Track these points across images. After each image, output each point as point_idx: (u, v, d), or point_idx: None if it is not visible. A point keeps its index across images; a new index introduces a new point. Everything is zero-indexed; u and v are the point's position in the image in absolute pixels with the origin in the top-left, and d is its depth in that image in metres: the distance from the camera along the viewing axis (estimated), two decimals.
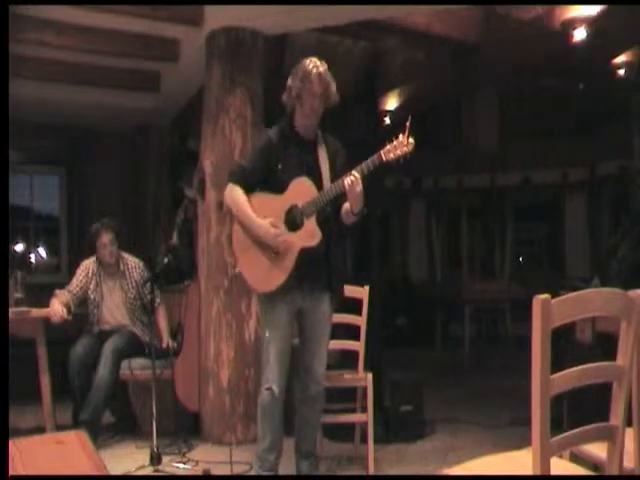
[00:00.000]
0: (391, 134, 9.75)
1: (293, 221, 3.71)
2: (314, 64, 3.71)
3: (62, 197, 8.53)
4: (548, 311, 1.99)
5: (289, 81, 3.78)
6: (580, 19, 6.04)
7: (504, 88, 8.93)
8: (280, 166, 3.76)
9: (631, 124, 9.03)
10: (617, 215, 10.24)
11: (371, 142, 9.82)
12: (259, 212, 3.73)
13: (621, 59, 7.32)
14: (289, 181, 3.72)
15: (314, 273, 3.75)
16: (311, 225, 3.68)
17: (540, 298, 1.98)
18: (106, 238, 5.41)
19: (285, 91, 3.80)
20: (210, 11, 5.30)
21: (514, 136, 9.95)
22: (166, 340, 5.38)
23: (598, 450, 2.45)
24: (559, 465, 2.26)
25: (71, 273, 5.74)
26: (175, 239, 5.22)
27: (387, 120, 9.36)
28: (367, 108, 9.10)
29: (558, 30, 6.21)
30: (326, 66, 3.75)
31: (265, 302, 3.81)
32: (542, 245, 12.26)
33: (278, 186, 3.74)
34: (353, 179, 3.52)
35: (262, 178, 3.78)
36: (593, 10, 5.86)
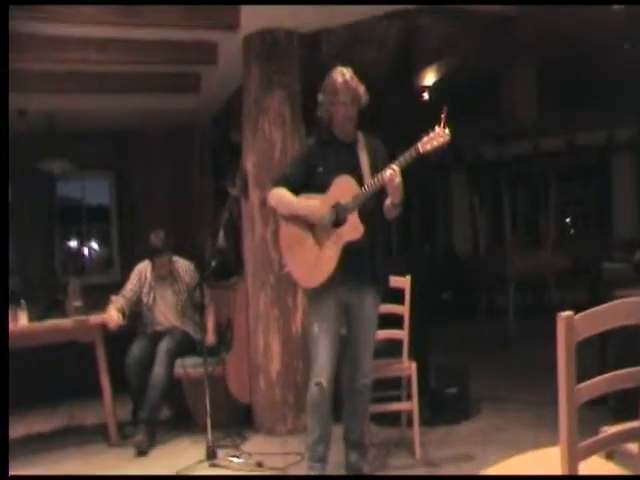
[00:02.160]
0: (429, 109, 9.68)
1: (337, 217, 3.79)
2: (339, 74, 3.79)
3: (112, 199, 8.77)
4: (571, 327, 2.05)
5: (320, 97, 3.87)
6: None
7: (543, 56, 8.80)
8: (321, 168, 3.85)
9: None
10: None
11: (408, 120, 9.85)
12: None
13: None
14: (331, 180, 3.80)
15: (359, 268, 3.81)
16: (354, 219, 3.74)
17: (563, 316, 2.04)
18: (165, 259, 5.58)
19: (318, 106, 3.89)
20: (246, 15, 5.35)
21: (556, 101, 9.76)
22: (211, 338, 5.50)
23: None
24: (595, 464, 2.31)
25: (122, 269, 5.91)
26: (221, 239, 5.31)
27: (425, 96, 9.36)
28: (403, 85, 9.10)
29: None
30: (351, 72, 3.83)
31: (312, 297, 3.89)
32: (589, 208, 12.09)
33: (321, 186, 3.82)
34: (392, 172, 3.58)
35: (304, 182, 3.87)
36: None
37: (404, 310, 4.67)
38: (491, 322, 9.78)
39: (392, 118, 10.50)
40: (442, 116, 3.52)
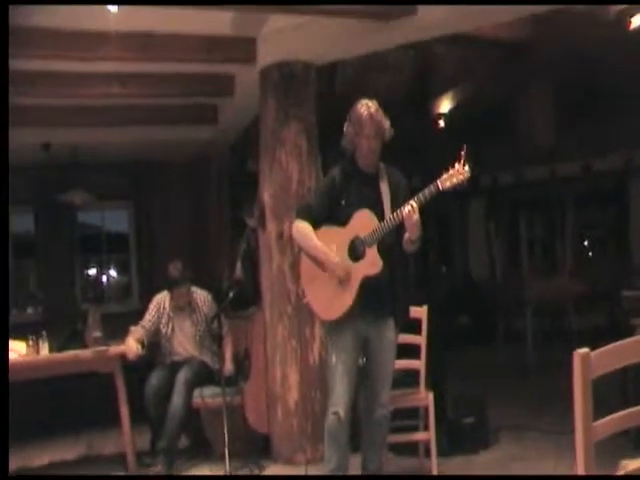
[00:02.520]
0: (445, 136, 9.71)
1: (355, 251, 3.84)
2: (365, 107, 3.85)
3: (131, 228, 8.87)
4: (587, 364, 2.06)
5: (345, 127, 3.94)
6: (635, 8, 5.91)
7: (558, 80, 8.80)
8: (344, 201, 3.91)
9: None
10: None
11: (423, 147, 9.91)
12: (324, 243, 3.90)
13: None
14: (352, 214, 3.86)
15: (378, 301, 3.86)
16: (372, 254, 3.80)
17: (579, 353, 2.06)
18: (184, 290, 5.63)
19: (343, 137, 3.96)
20: (262, 48, 5.44)
21: (571, 125, 9.78)
22: (229, 368, 5.53)
23: None
24: None
25: (141, 297, 5.95)
26: (239, 271, 5.39)
27: (441, 123, 9.41)
28: (419, 112, 9.13)
29: (613, 20, 6.15)
30: (377, 105, 3.89)
31: (331, 329, 3.95)
32: (606, 233, 12.02)
33: (342, 219, 3.89)
34: (410, 209, 3.64)
35: (327, 213, 3.94)
36: None
37: (421, 340, 4.70)
38: (509, 348, 9.71)
39: (408, 145, 10.56)
40: (462, 154, 3.59)
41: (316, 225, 3.94)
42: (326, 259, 3.86)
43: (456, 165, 3.60)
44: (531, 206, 12.03)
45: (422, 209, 3.69)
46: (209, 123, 7.05)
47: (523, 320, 9.33)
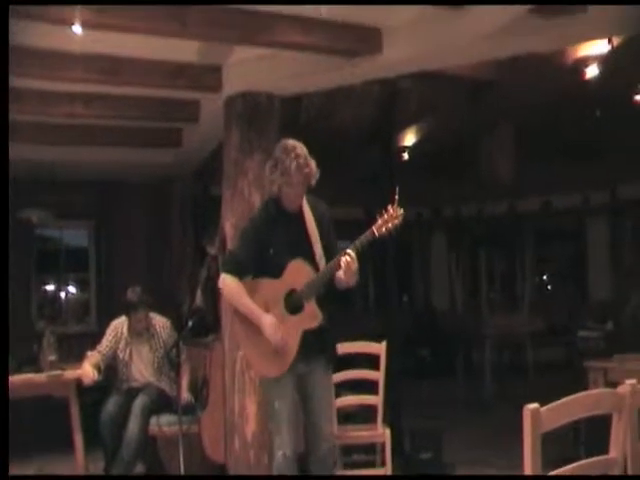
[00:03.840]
0: (408, 170, 9.81)
1: (293, 304, 3.81)
2: (293, 156, 3.74)
3: (91, 247, 8.83)
4: (538, 419, 2.10)
5: (267, 171, 3.85)
6: (591, 57, 6.16)
7: (520, 119, 8.99)
8: (272, 250, 3.86)
9: None
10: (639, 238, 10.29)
11: (385, 180, 9.99)
12: (258, 297, 3.85)
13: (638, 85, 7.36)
14: (284, 264, 3.82)
15: (312, 345, 3.83)
16: (311, 307, 3.79)
17: (530, 408, 2.10)
18: (142, 315, 5.60)
19: (265, 179, 3.90)
20: (228, 77, 5.46)
21: (532, 163, 9.96)
22: (184, 396, 5.46)
23: None
24: None
25: (99, 316, 5.86)
26: (199, 299, 5.37)
27: (405, 155, 9.50)
28: (381, 146, 9.23)
29: (571, 67, 6.33)
30: (304, 151, 3.79)
31: (269, 379, 3.92)
32: (565, 269, 12.24)
33: (273, 270, 3.85)
34: (349, 259, 3.62)
35: (255, 265, 3.88)
36: (604, 48, 5.93)
37: (379, 376, 4.72)
38: (468, 381, 9.81)
39: (371, 176, 10.64)
40: (395, 197, 3.61)
41: (244, 276, 3.88)
42: (261, 324, 3.78)
43: (389, 209, 3.62)
44: (492, 240, 12.22)
45: (359, 255, 3.69)
46: (173, 146, 7.04)
47: (482, 353, 9.43)
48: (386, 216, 3.61)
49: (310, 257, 3.84)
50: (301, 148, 3.80)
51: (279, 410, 3.84)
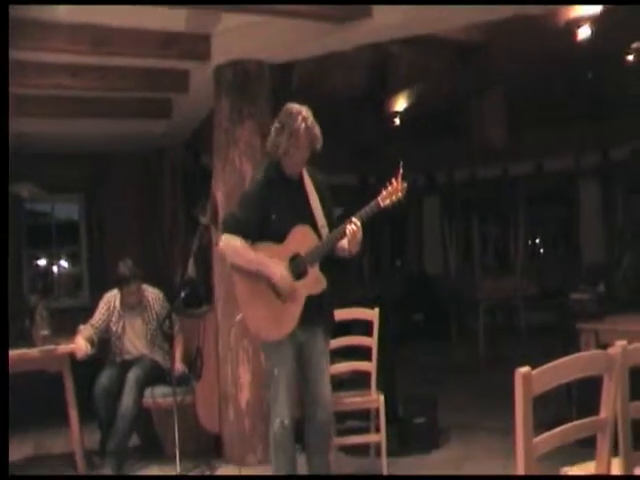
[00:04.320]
0: (400, 135, 9.76)
1: (297, 270, 3.82)
2: (301, 118, 3.76)
3: (82, 220, 8.81)
4: (529, 382, 2.13)
5: (273, 133, 3.85)
6: (583, 18, 6.08)
7: (511, 82, 8.98)
8: (274, 215, 3.85)
9: None
10: (630, 199, 10.31)
11: (378, 145, 9.99)
12: None
13: (630, 46, 7.32)
14: (287, 229, 3.82)
15: (311, 312, 3.85)
16: (315, 272, 3.82)
17: (521, 371, 2.12)
18: (134, 287, 5.59)
19: (269, 141, 3.89)
20: (217, 45, 5.42)
21: (524, 126, 9.94)
22: (179, 367, 5.49)
23: None
24: None
25: (92, 291, 5.85)
26: (191, 269, 5.37)
27: (397, 121, 9.47)
28: (374, 112, 9.20)
29: (563, 28, 6.29)
30: (311, 114, 3.81)
31: (271, 344, 3.92)
32: (557, 232, 12.31)
33: (276, 235, 3.84)
34: (354, 228, 3.69)
35: (257, 228, 3.86)
36: (596, 9, 5.89)
37: (372, 342, 4.75)
38: (461, 344, 9.91)
39: (364, 142, 10.63)
40: (399, 172, 3.71)
41: (247, 240, 3.84)
42: (270, 272, 3.77)
43: (393, 182, 3.72)
44: (484, 204, 12.25)
45: (363, 225, 3.75)
46: (163, 117, 6.99)
47: (475, 317, 9.50)
48: (390, 188, 3.71)
49: (312, 224, 3.86)
50: (307, 111, 3.82)
51: (278, 377, 3.86)
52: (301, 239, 3.82)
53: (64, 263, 9.28)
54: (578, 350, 4.81)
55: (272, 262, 3.79)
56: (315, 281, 3.82)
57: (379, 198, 3.73)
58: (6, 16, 3.57)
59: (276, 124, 3.86)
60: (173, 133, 7.66)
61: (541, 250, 12.58)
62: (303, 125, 3.75)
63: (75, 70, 5.62)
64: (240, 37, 5.32)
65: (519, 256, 11.59)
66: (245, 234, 3.83)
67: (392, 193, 3.71)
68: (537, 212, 11.95)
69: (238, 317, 3.99)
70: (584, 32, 6.18)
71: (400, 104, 9.22)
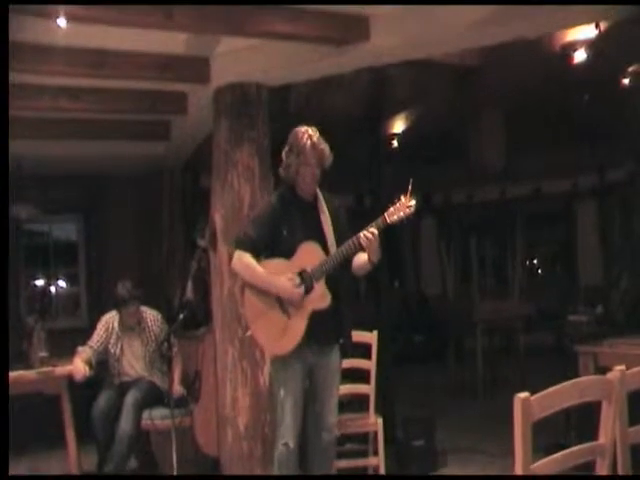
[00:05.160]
0: (398, 157, 9.75)
1: (303, 284, 3.84)
2: (307, 136, 3.87)
3: (80, 240, 8.82)
4: (528, 407, 2.13)
5: (284, 156, 3.95)
6: (579, 42, 6.09)
7: (508, 105, 9.05)
8: (285, 232, 3.91)
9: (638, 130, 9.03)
10: (628, 221, 10.34)
11: (375, 168, 10.02)
12: None
13: (626, 69, 7.36)
14: (296, 245, 3.87)
15: (324, 331, 3.89)
16: (321, 288, 3.84)
17: (520, 397, 2.12)
18: (132, 309, 5.60)
19: (281, 166, 3.98)
20: (216, 68, 5.44)
21: (521, 149, 10.00)
22: (177, 389, 5.47)
23: None
24: None
25: (90, 312, 5.84)
26: (189, 292, 5.37)
27: (395, 143, 9.51)
28: (372, 134, 9.22)
29: (559, 52, 6.33)
30: (317, 132, 3.92)
31: (278, 362, 3.95)
32: (555, 253, 12.34)
33: (285, 251, 3.89)
34: (370, 236, 3.68)
35: (268, 245, 3.93)
36: (591, 33, 5.90)
37: (371, 365, 4.75)
38: (459, 366, 9.85)
39: (362, 164, 10.65)
40: (409, 187, 3.70)
41: (257, 256, 3.92)
42: (280, 286, 3.83)
43: (402, 198, 3.71)
44: (482, 226, 12.25)
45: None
46: (162, 139, 7.01)
47: (474, 339, 9.47)
48: (398, 204, 3.70)
49: (322, 242, 3.89)
50: (313, 130, 3.93)
51: (284, 399, 3.88)
52: (308, 255, 3.86)
53: (62, 284, 9.27)
54: (577, 373, 4.81)
55: (279, 277, 3.83)
56: (321, 297, 3.84)
57: (386, 214, 3.72)
58: (6, 16, 3.58)
59: (286, 148, 3.95)
60: (172, 155, 7.67)
61: (539, 271, 12.61)
62: (309, 142, 3.85)
63: (74, 92, 5.63)
64: (239, 60, 5.34)
65: (517, 277, 11.60)
66: (256, 251, 3.91)
67: (399, 209, 3.70)
68: (535, 234, 12.01)
69: (248, 332, 4.03)
70: (580, 56, 6.21)
71: (398, 126, 9.26)
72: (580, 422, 4.77)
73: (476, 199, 11.85)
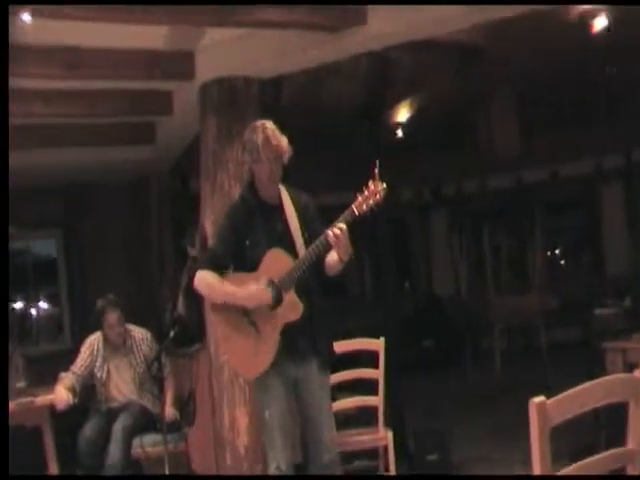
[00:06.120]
0: (403, 147, 9.66)
1: (273, 298, 3.76)
2: (260, 131, 3.76)
3: (61, 259, 8.79)
4: (544, 413, 2.09)
5: (238, 155, 3.94)
6: (599, 7, 6.03)
7: (521, 83, 8.95)
8: (248, 242, 3.84)
9: None
10: None
11: (374, 159, 9.94)
12: None
13: None
14: (261, 255, 3.78)
15: (299, 342, 3.81)
16: (291, 298, 3.73)
17: (535, 401, 2.09)
18: (112, 318, 5.54)
19: (238, 164, 3.93)
20: (201, 63, 5.42)
21: (537, 130, 9.96)
22: (170, 412, 5.42)
23: None
24: None
25: (73, 334, 5.79)
26: (181, 306, 5.35)
27: (399, 133, 9.49)
28: (374, 124, 9.18)
29: (575, 22, 6.25)
30: (272, 126, 3.81)
31: (257, 383, 3.89)
32: (577, 242, 12.28)
33: (250, 263, 3.82)
34: (337, 232, 3.55)
35: (232, 258, 3.89)
36: None
37: (378, 374, 4.72)
38: (477, 370, 9.80)
39: (363, 157, 10.62)
40: (375, 171, 3.56)
41: (223, 271, 3.86)
42: (245, 295, 3.75)
43: (370, 184, 3.55)
44: (496, 216, 12.16)
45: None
46: (146, 143, 6.97)
47: (491, 340, 9.44)
48: (367, 192, 3.54)
49: (290, 246, 3.79)
50: (269, 124, 3.81)
51: (270, 420, 3.81)
52: (275, 264, 3.76)
53: (43, 305, 9.22)
54: (605, 371, 4.79)
55: (242, 288, 3.76)
56: (291, 308, 3.74)
57: (354, 205, 3.56)
58: (6, 17, 3.58)
59: (241, 145, 3.90)
60: (158, 159, 7.62)
61: (562, 261, 12.53)
62: (261, 136, 3.74)
63: (48, 96, 5.58)
64: (225, 52, 5.31)
65: (537, 269, 11.50)
66: (220, 267, 3.87)
67: (368, 197, 3.53)
68: (555, 221, 11.88)
69: (223, 357, 3.99)
70: (600, 23, 6.12)
71: (402, 115, 9.23)
72: (610, 421, 4.74)
73: (489, 187, 11.75)
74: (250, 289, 3.75)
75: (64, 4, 3.97)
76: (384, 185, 3.54)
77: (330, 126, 8.56)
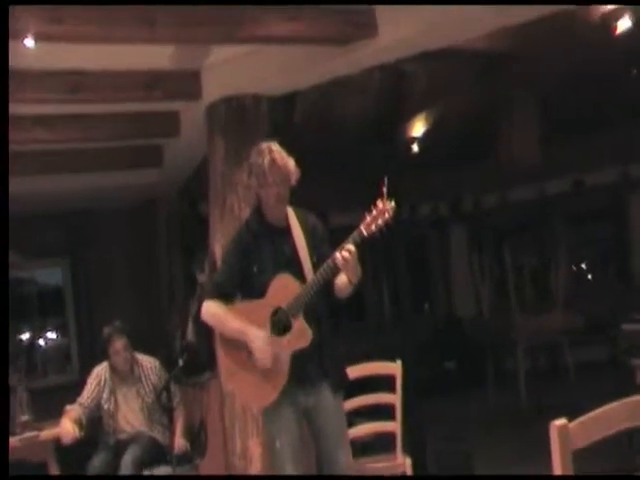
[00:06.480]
0: (419, 162, 9.60)
1: (281, 324, 3.73)
2: (264, 153, 3.74)
3: (67, 288, 8.80)
4: (566, 436, 2.06)
5: (244, 179, 3.86)
6: (623, 8, 5.97)
7: (542, 89, 8.86)
8: (255, 268, 3.82)
9: None
10: None
11: (393, 177, 9.93)
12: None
13: None
14: (268, 281, 3.75)
15: (308, 368, 3.79)
16: (300, 325, 3.70)
17: (557, 424, 2.06)
18: (119, 344, 5.52)
19: (244, 189, 3.95)
20: (207, 82, 5.43)
21: (559, 138, 9.77)
22: (180, 444, 5.39)
23: None
24: None
25: (81, 365, 5.78)
26: (190, 333, 5.33)
27: (415, 147, 9.46)
28: (387, 140, 9.15)
29: (598, 24, 6.20)
30: (278, 147, 3.79)
31: (267, 413, 3.86)
32: (604, 255, 12.07)
33: (257, 289, 3.79)
34: (346, 254, 3.52)
35: (239, 286, 3.87)
36: None
37: (395, 399, 4.68)
38: (500, 392, 9.70)
39: (377, 175, 10.61)
40: (383, 190, 3.52)
41: (230, 301, 3.84)
42: (250, 340, 3.73)
43: (378, 203, 3.51)
44: (519, 230, 12.05)
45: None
46: (153, 166, 6.99)
47: (514, 360, 9.35)
48: (375, 212, 3.50)
49: (298, 271, 3.76)
50: (275, 146, 3.79)
51: (281, 450, 3.79)
52: (282, 290, 3.73)
53: (50, 335, 9.20)
54: (635, 390, 4.73)
55: (251, 329, 3.73)
56: (300, 335, 3.70)
57: (362, 225, 3.53)
58: (6, 17, 3.62)
59: (246, 168, 3.87)
60: (166, 182, 7.63)
61: (588, 276, 12.42)
62: (267, 159, 3.71)
63: (51, 121, 5.61)
64: (232, 70, 5.31)
65: (561, 285, 11.39)
66: (225, 297, 3.85)
67: (377, 217, 3.50)
68: (580, 234, 11.75)
69: (229, 387, 3.97)
70: (624, 24, 6.08)
71: (417, 129, 9.21)
72: None
73: (510, 200, 11.64)
74: (255, 336, 3.73)
75: (64, 4, 3.98)
76: (393, 204, 3.51)
77: (343, 143, 8.55)
